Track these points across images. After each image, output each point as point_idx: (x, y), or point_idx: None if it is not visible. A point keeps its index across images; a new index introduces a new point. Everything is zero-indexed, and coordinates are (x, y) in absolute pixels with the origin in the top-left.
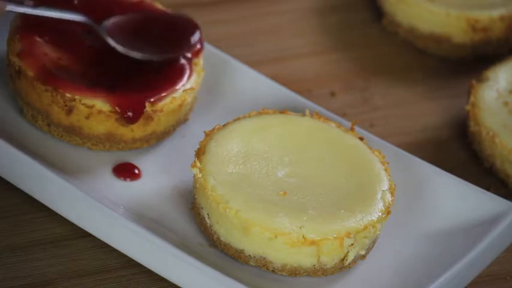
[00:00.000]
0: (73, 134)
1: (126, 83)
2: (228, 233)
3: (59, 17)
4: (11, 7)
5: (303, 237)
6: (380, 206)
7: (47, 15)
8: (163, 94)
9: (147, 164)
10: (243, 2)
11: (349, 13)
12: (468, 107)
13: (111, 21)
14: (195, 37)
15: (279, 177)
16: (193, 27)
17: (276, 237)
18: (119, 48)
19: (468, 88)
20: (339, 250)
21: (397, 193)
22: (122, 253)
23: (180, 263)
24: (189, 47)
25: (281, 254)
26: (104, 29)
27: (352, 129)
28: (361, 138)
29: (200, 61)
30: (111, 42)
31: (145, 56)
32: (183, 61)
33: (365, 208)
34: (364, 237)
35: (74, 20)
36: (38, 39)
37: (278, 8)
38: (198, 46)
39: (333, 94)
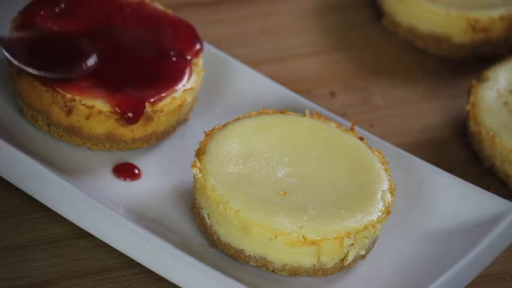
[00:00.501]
0: (73, 134)
1: (126, 83)
2: (228, 233)
3: None
4: None
5: (303, 237)
6: (380, 206)
7: None
8: (163, 94)
9: (147, 164)
10: (243, 2)
11: (349, 13)
12: (468, 107)
13: (10, 34)
14: (91, 61)
15: (279, 177)
16: (89, 50)
17: (276, 237)
18: (14, 61)
19: (468, 88)
20: (339, 250)
21: (397, 193)
22: (122, 253)
23: (180, 263)
24: (83, 70)
25: (281, 254)
26: (1, 40)
27: (352, 129)
28: (361, 138)
29: (200, 61)
30: (6, 54)
31: (39, 72)
32: (183, 61)
33: (365, 208)
34: (364, 237)
35: None
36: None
37: (278, 8)
38: (198, 46)
39: (333, 94)
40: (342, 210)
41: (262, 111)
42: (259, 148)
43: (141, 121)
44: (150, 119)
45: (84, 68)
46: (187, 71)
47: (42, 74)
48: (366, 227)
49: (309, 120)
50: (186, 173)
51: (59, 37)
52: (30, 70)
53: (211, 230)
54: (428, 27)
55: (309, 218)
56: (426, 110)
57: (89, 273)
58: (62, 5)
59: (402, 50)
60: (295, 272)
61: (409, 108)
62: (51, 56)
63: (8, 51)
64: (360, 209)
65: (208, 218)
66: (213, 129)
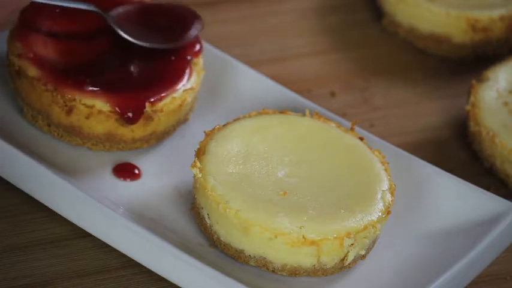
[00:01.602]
0: (73, 134)
1: (127, 83)
2: (228, 233)
3: (67, 5)
4: None
5: (303, 237)
6: (380, 206)
7: (55, 3)
8: (163, 94)
9: (147, 164)
10: (243, 2)
11: (348, 13)
12: (468, 107)
13: (118, 11)
14: (196, 27)
15: (279, 177)
16: (194, 17)
17: (276, 237)
18: (128, 37)
19: (468, 88)
20: (339, 250)
21: (397, 193)
22: (122, 253)
23: (180, 263)
24: (191, 36)
25: (281, 254)
26: (112, 18)
27: (352, 129)
28: (361, 138)
29: (200, 61)
30: (120, 31)
31: (152, 44)
32: (183, 61)
33: (365, 208)
34: (364, 237)
35: (82, 8)
36: (38, 39)
37: (278, 8)
38: (198, 46)
39: (333, 94)
40: (342, 210)
41: (262, 111)
42: (259, 148)
43: (141, 121)
44: (150, 119)
45: (194, 33)
46: (187, 71)
47: (161, 46)
48: (366, 227)
49: (309, 120)
50: (186, 173)
51: (161, 8)
52: (149, 45)
53: (211, 230)
54: (428, 27)
55: (309, 218)
56: (426, 110)
57: (89, 273)
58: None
59: (402, 50)
60: (295, 272)
61: (409, 108)
62: (161, 27)
63: (121, 29)
64: (360, 209)
65: (208, 218)
66: (213, 129)
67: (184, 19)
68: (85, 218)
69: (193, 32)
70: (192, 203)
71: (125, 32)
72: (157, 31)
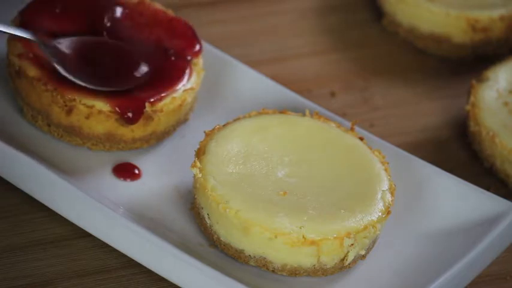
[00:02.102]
0: (73, 134)
1: (126, 83)
2: (228, 233)
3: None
4: None
5: (303, 237)
6: (380, 206)
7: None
8: (163, 94)
9: (147, 164)
10: (243, 2)
11: (348, 13)
12: (468, 107)
13: (59, 42)
14: (142, 70)
15: (279, 177)
16: (139, 59)
17: (276, 237)
18: (62, 71)
19: (468, 88)
20: (339, 250)
21: (397, 193)
22: (122, 253)
23: (180, 263)
24: (133, 80)
25: (281, 254)
26: (49, 51)
27: (352, 129)
28: (361, 138)
29: (200, 61)
30: (56, 65)
31: (90, 84)
32: (183, 61)
33: (365, 208)
34: (364, 237)
35: (22, 36)
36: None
37: (278, 8)
38: (198, 46)
39: (333, 94)
40: (342, 210)
41: (262, 111)
42: (259, 148)
43: (141, 121)
44: (150, 119)
45: (138, 77)
46: (187, 71)
47: (98, 87)
48: (366, 227)
49: (309, 120)
50: (186, 173)
51: (107, 44)
52: (87, 84)
53: (211, 230)
54: (428, 27)
55: (309, 218)
56: (426, 110)
57: (89, 273)
58: (61, 5)
59: (402, 50)
60: (295, 272)
61: (409, 108)
62: (103, 68)
63: (58, 63)
64: (360, 209)
65: (208, 218)
66: (213, 129)
67: (127, 59)
68: (85, 218)
69: (142, 70)
70: (192, 203)
71: (63, 68)
72: (99, 70)
